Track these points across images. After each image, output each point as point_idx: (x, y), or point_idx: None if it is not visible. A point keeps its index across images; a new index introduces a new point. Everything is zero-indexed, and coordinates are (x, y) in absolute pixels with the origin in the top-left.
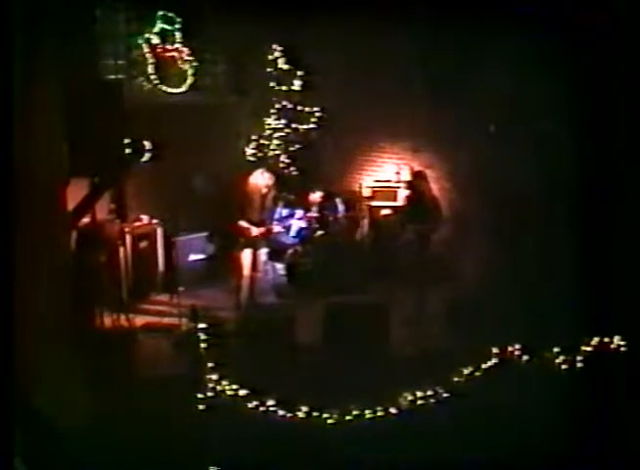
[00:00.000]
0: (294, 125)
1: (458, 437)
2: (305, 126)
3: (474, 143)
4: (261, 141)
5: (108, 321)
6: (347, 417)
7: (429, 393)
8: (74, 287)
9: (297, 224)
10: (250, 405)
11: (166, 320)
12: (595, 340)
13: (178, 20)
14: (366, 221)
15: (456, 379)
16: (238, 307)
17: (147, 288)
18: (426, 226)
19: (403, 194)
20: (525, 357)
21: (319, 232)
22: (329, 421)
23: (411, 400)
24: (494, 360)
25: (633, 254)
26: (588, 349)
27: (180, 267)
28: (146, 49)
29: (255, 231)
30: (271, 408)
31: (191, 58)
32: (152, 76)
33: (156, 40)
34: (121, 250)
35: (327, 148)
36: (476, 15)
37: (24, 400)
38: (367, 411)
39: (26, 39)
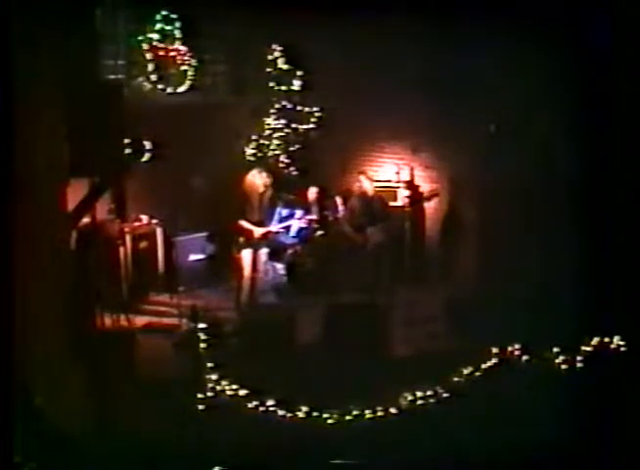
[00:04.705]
0: (293, 125)
1: (458, 437)
2: (305, 126)
3: (473, 143)
4: (261, 141)
5: (108, 321)
6: (347, 417)
7: (429, 393)
8: (74, 287)
9: (296, 224)
10: (250, 405)
11: (166, 320)
12: (595, 340)
13: (178, 20)
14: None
15: (456, 379)
16: (238, 307)
17: (147, 288)
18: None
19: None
20: (525, 357)
21: (319, 232)
22: (329, 421)
23: (411, 400)
24: (494, 360)
25: (633, 254)
26: (588, 349)
27: (180, 267)
28: (146, 49)
29: (257, 232)
30: (271, 408)
31: (191, 58)
32: (152, 76)
33: (156, 40)
34: (121, 250)
35: (326, 148)
36: (476, 14)
37: (25, 401)
38: (367, 411)
39: (26, 39)
